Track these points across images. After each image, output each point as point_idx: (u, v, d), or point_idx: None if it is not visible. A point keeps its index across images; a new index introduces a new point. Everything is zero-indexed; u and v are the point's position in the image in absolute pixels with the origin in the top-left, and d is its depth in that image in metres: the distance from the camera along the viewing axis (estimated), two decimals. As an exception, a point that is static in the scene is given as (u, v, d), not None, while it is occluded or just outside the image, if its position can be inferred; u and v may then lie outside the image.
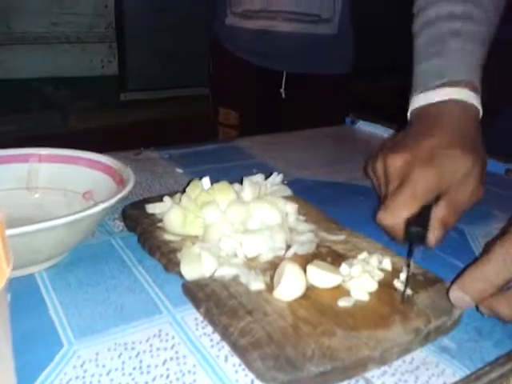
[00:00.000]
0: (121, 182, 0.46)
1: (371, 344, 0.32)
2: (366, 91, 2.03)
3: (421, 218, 0.45)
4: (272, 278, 0.39)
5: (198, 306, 0.37)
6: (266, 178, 0.55)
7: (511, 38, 0.88)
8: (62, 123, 1.80)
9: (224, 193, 0.47)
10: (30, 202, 0.50)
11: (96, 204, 0.42)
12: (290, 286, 0.36)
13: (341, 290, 0.38)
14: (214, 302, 0.36)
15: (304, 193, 0.57)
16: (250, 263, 0.42)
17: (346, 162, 0.75)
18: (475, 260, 0.37)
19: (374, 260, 0.42)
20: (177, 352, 0.34)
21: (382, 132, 0.88)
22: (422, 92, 0.57)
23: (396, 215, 0.46)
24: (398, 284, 0.39)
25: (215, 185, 0.48)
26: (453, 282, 0.37)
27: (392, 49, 2.20)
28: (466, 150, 0.49)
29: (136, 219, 0.48)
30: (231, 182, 0.51)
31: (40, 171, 0.51)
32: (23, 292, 0.39)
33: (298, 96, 1.26)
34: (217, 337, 0.35)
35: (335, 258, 0.43)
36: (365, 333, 0.33)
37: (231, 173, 0.67)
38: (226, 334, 0.34)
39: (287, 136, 0.88)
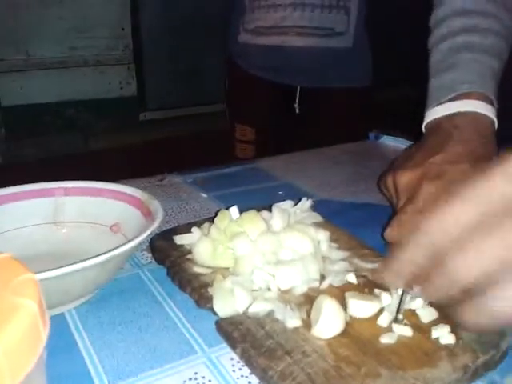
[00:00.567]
0: (148, 214, 0.45)
1: (419, 385, 0.31)
2: (385, 101, 2.01)
3: None
4: (308, 313, 0.38)
5: (233, 347, 0.36)
6: (295, 203, 0.54)
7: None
8: (83, 144, 1.82)
9: (253, 222, 0.46)
10: (58, 237, 0.50)
11: (126, 238, 0.42)
12: (329, 322, 0.35)
13: (382, 326, 0.37)
14: (250, 342, 0.35)
15: (332, 216, 0.55)
16: (284, 296, 0.41)
17: (372, 181, 0.73)
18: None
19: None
20: (215, 397, 0.32)
21: (406, 146, 0.87)
22: (435, 106, 0.56)
23: (403, 232, 0.45)
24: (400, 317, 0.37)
25: (244, 214, 0.47)
26: None
27: (407, 59, 2.19)
28: (476, 164, 0.47)
29: (164, 251, 0.47)
30: (258, 208, 0.50)
31: (66, 205, 0.51)
32: (53, 333, 0.39)
33: (312, 110, 1.25)
34: (255, 379, 0.34)
35: (373, 289, 0.41)
36: (411, 372, 0.32)
37: (256, 196, 0.66)
38: (265, 378, 0.32)
39: (309, 154, 0.87)
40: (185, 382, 0.34)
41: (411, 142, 0.86)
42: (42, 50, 1.89)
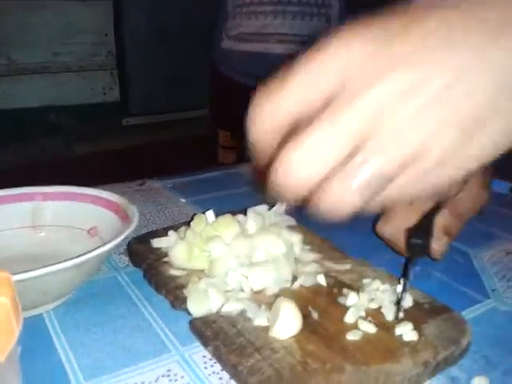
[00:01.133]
0: (126, 218, 0.46)
1: (381, 379, 0.32)
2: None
3: (422, 228, 0.44)
4: (279, 312, 0.39)
5: (205, 345, 0.37)
6: (270, 207, 0.55)
7: None
8: (66, 149, 1.81)
9: (228, 226, 0.47)
10: (36, 241, 0.50)
11: (103, 242, 0.43)
12: (286, 324, 0.36)
13: (349, 323, 0.38)
14: (222, 340, 0.36)
15: (306, 220, 0.57)
16: (257, 296, 0.42)
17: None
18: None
19: (382, 288, 0.42)
20: (186, 393, 0.34)
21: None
22: None
23: (395, 226, 0.45)
24: (401, 315, 0.39)
25: (219, 218, 0.48)
26: None
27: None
28: None
29: (141, 254, 0.49)
30: (235, 212, 0.51)
31: (45, 209, 0.52)
32: (31, 333, 0.40)
33: None
34: (226, 375, 0.35)
35: (342, 289, 0.43)
36: (374, 367, 0.33)
37: (235, 200, 0.68)
38: (235, 373, 0.34)
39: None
40: (158, 378, 0.35)
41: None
42: (25, 55, 1.89)
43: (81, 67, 2.04)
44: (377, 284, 0.42)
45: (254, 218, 0.50)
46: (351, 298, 0.40)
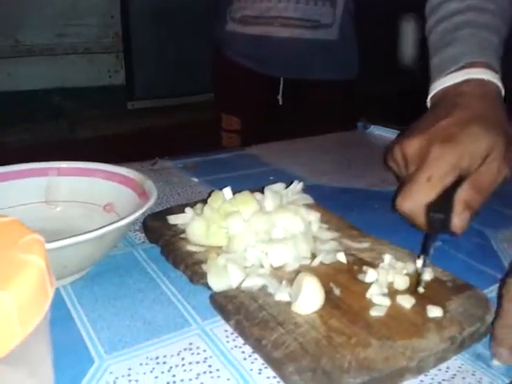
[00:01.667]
0: (143, 194, 0.46)
1: (407, 354, 0.32)
2: (376, 93, 2.02)
3: (443, 203, 0.43)
4: (300, 288, 0.39)
5: (227, 319, 0.36)
6: (287, 186, 0.55)
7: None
8: (70, 132, 1.80)
9: (246, 203, 0.47)
10: (51, 216, 0.50)
11: (120, 217, 0.42)
12: (308, 299, 0.36)
13: (371, 300, 0.38)
14: (244, 314, 0.36)
15: (323, 200, 0.57)
16: (277, 273, 0.42)
17: (361, 168, 0.74)
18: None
19: (399, 266, 0.42)
20: (210, 366, 0.33)
21: (394, 136, 0.88)
22: (438, 79, 0.56)
23: (415, 201, 0.44)
24: (421, 290, 0.39)
25: (237, 195, 0.48)
26: None
27: (395, 50, 2.20)
28: (486, 127, 0.46)
29: (158, 231, 0.48)
30: (251, 191, 0.50)
31: (59, 185, 0.51)
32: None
33: (296, 103, 1.25)
34: (249, 349, 0.35)
35: (362, 266, 0.42)
36: (400, 343, 0.33)
37: (247, 181, 0.67)
38: (258, 347, 0.33)
39: (298, 142, 0.88)
40: (180, 352, 0.34)
41: (398, 131, 0.87)
42: (31, 36, 1.87)
43: (86, 49, 2.02)
44: (394, 261, 0.41)
45: (272, 196, 0.49)
46: (371, 275, 0.40)
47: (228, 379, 0.32)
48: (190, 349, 0.35)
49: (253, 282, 0.40)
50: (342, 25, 1.20)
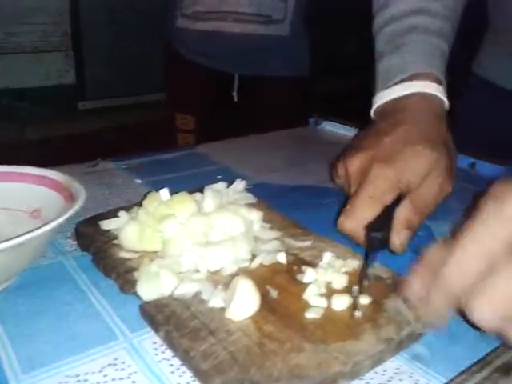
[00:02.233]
0: (70, 198, 0.43)
1: (341, 358, 0.31)
2: (327, 91, 2.03)
3: (383, 222, 0.43)
4: (235, 292, 0.37)
5: (156, 330, 0.34)
6: (229, 185, 0.53)
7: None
8: (19, 134, 1.73)
9: (184, 204, 0.45)
10: (-26, 225, 0.46)
11: (44, 223, 0.39)
12: (243, 304, 0.34)
13: (308, 301, 0.36)
14: (174, 324, 0.34)
15: (270, 198, 0.55)
16: (213, 277, 0.40)
17: (312, 165, 0.73)
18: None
19: (338, 264, 0.40)
20: (134, 382, 0.31)
21: (346, 132, 0.87)
22: (383, 90, 0.55)
23: (356, 220, 0.43)
24: (357, 314, 0.36)
25: (174, 196, 0.46)
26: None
27: (351, 48, 2.22)
28: (428, 145, 0.46)
29: (89, 237, 0.45)
30: (192, 192, 0.48)
31: (-16, 191, 0.48)
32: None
33: (251, 99, 1.24)
34: (178, 362, 0.33)
35: (301, 266, 0.41)
36: (334, 346, 0.32)
37: (194, 181, 0.65)
38: (187, 359, 0.31)
39: (249, 139, 0.86)
40: (103, 368, 0.32)
41: (352, 128, 0.87)
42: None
43: (35, 48, 1.95)
44: (334, 259, 0.40)
45: (212, 196, 0.47)
46: (309, 275, 0.38)
47: (153, 395, 0.30)
48: (115, 364, 0.32)
49: (186, 289, 0.37)
50: (294, 21, 1.19)
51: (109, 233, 0.46)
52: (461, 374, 0.30)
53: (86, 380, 0.31)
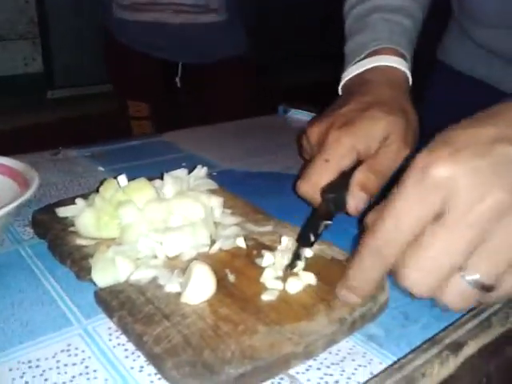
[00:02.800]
0: (25, 185, 0.42)
1: (294, 339, 0.31)
2: (293, 82, 2.04)
3: (339, 185, 0.43)
4: (192, 277, 0.37)
5: (110, 315, 0.34)
6: (191, 171, 0.52)
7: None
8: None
9: (141, 190, 0.44)
10: None
11: (-4, 211, 0.38)
12: (198, 288, 0.34)
13: (265, 284, 0.36)
14: (128, 309, 0.33)
15: (234, 185, 0.55)
16: (171, 263, 0.40)
17: (279, 152, 0.73)
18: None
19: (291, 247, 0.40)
20: (87, 367, 0.31)
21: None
22: (349, 67, 0.56)
23: (312, 182, 0.45)
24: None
25: (131, 182, 0.45)
26: None
27: (317, 38, 2.22)
28: (385, 110, 0.47)
29: (46, 224, 0.45)
30: (152, 178, 0.48)
31: None
32: None
33: (195, 85, 1.29)
34: (132, 347, 0.32)
35: (261, 251, 0.41)
36: (288, 327, 0.32)
37: (158, 168, 0.63)
38: (140, 343, 0.31)
39: (216, 127, 0.86)
40: (56, 354, 0.32)
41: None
42: None
43: (0, 36, 1.90)
44: (291, 242, 0.40)
45: (172, 182, 0.47)
46: (267, 259, 0.38)
47: (106, 379, 0.30)
48: (68, 350, 0.32)
49: (142, 275, 0.37)
50: (229, 7, 1.24)
51: (66, 220, 0.45)
52: (411, 351, 0.31)
53: (38, 366, 0.31)
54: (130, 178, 0.46)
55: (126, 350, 0.32)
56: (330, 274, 0.37)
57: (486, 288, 0.28)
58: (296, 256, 0.38)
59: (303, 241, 0.38)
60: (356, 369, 0.31)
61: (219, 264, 0.39)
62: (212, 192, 0.49)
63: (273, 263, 0.39)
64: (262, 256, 0.40)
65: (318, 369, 0.31)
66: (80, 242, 0.42)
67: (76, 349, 0.32)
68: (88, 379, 0.30)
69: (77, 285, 0.38)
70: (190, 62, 1.26)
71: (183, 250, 0.41)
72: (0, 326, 0.34)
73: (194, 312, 0.33)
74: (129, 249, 0.40)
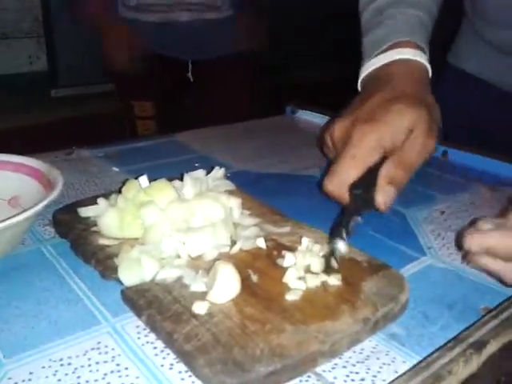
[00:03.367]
0: (48, 185, 0.43)
1: (320, 337, 0.32)
2: (293, 82, 2.04)
3: (367, 181, 0.43)
4: (216, 277, 0.38)
5: (139, 314, 0.35)
6: (208, 172, 0.53)
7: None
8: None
9: (163, 191, 0.45)
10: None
11: (22, 211, 0.39)
12: (224, 288, 0.35)
13: (288, 284, 0.37)
14: (156, 308, 0.34)
15: (248, 186, 0.56)
16: (194, 262, 0.40)
17: (289, 153, 0.74)
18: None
19: (316, 248, 0.41)
20: (118, 364, 0.31)
21: (322, 121, 0.88)
22: (367, 61, 0.56)
23: (339, 180, 0.44)
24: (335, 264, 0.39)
25: (153, 183, 0.46)
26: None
27: (317, 38, 2.22)
28: (408, 104, 0.47)
29: (68, 224, 0.45)
30: (171, 179, 0.48)
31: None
32: None
33: (206, 80, 1.30)
34: (161, 344, 0.33)
35: (281, 251, 0.42)
36: (313, 326, 0.33)
37: (172, 169, 0.65)
38: (170, 341, 0.32)
39: (227, 128, 0.87)
40: (87, 351, 0.32)
41: (326, 117, 0.88)
42: None
43: (3, 34, 1.89)
44: (312, 244, 0.41)
45: (191, 183, 0.48)
46: (288, 259, 0.39)
47: (137, 377, 0.31)
48: (98, 348, 0.33)
49: (167, 274, 0.38)
50: (233, 4, 1.26)
51: (87, 220, 0.46)
52: (435, 351, 0.31)
53: (69, 364, 0.31)
54: (149, 179, 0.46)
55: (155, 347, 0.33)
56: (351, 275, 0.38)
57: None
58: (331, 254, 0.38)
59: (337, 235, 0.39)
60: (381, 367, 0.32)
61: (241, 264, 0.39)
62: (230, 193, 0.50)
63: (294, 263, 0.39)
64: (282, 256, 0.41)
65: (344, 367, 0.32)
66: (103, 241, 0.43)
67: (106, 347, 0.33)
68: (120, 376, 0.30)
69: (101, 283, 0.39)
70: (196, 59, 1.28)
71: (205, 250, 0.41)
72: (29, 324, 0.35)
73: (220, 311, 0.34)
74: (153, 248, 0.40)
